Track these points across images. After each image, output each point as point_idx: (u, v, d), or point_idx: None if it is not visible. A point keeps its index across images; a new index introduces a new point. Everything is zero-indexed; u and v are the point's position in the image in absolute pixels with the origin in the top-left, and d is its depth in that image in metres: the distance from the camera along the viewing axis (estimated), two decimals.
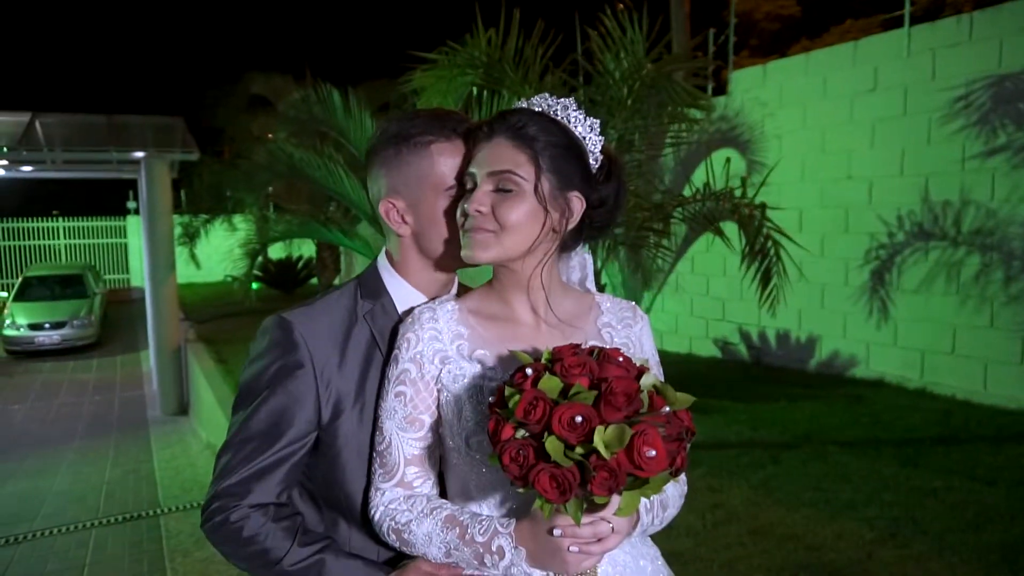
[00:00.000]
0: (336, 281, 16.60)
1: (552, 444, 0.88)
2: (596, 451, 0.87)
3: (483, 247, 1.15)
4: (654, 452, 0.88)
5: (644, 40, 4.29)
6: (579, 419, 0.88)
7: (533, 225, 1.14)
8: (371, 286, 1.28)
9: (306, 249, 16.96)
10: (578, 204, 1.18)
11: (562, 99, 1.19)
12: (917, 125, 6.27)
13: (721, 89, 8.49)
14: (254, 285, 8.43)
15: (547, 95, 1.20)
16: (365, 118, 7.56)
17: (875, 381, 6.75)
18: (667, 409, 0.95)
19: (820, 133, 7.10)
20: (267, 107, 13.84)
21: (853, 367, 7.01)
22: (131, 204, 19.54)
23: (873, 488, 4.33)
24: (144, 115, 9.22)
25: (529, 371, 0.97)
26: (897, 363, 6.62)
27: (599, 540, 1.01)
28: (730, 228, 5.01)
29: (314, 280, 17.00)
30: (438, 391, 1.17)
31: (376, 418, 1.21)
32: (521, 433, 0.93)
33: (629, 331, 1.28)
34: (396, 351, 1.20)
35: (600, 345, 1.26)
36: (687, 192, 5.27)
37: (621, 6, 4.30)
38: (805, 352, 7.44)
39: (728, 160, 5.37)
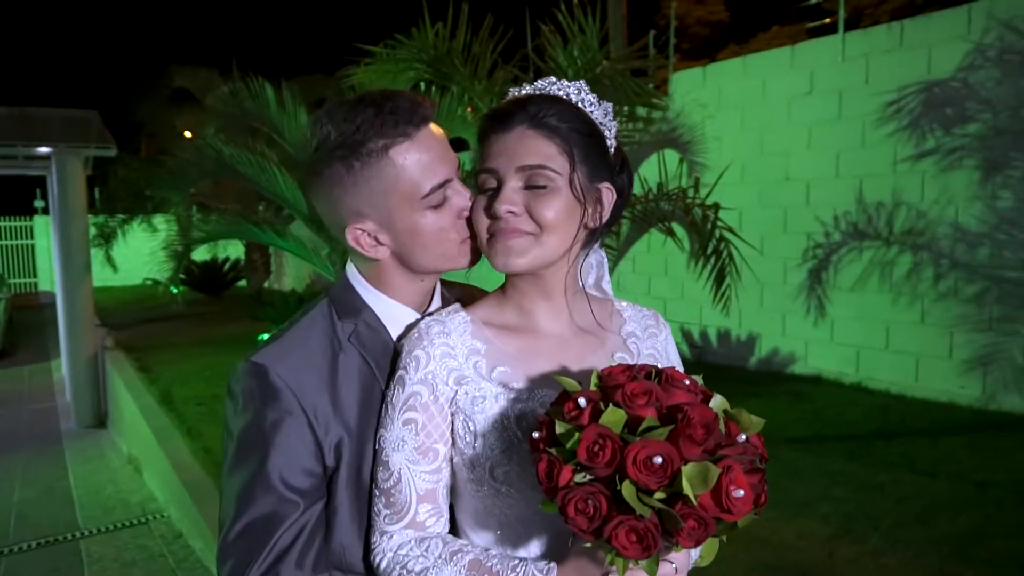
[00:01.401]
0: (266, 284, 16.01)
1: (628, 490, 0.76)
2: (682, 496, 0.75)
3: (520, 252, 1.01)
4: (742, 492, 0.77)
5: (598, 35, 4.21)
6: (659, 460, 0.75)
7: (571, 223, 1.02)
8: (347, 303, 1.10)
9: (232, 250, 16.30)
10: (609, 196, 1.07)
11: (574, 82, 1.06)
12: (852, 128, 6.46)
13: (659, 90, 8.57)
14: (174, 288, 7.98)
15: (554, 79, 1.07)
16: (300, 113, 7.25)
17: (814, 377, 6.93)
18: (743, 437, 0.84)
19: (759, 135, 7.24)
20: (192, 102, 13.22)
21: (792, 364, 7.18)
22: (38, 203, 18.26)
23: (824, 485, 4.40)
24: (55, 108, 8.58)
25: (583, 401, 0.83)
26: (834, 359, 6.81)
27: None
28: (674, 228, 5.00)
29: (242, 283, 16.36)
30: (452, 415, 1.02)
31: (377, 451, 1.04)
32: (582, 476, 0.80)
33: (654, 341, 1.17)
34: (401, 372, 1.03)
35: (648, 363, 1.14)
36: (635, 191, 5.25)
37: (576, 0, 4.22)
38: (745, 350, 7.58)
39: (682, 160, 5.38)
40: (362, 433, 1.05)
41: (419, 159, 1.02)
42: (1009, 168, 5.57)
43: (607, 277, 1.22)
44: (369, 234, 1.05)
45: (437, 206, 1.04)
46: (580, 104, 1.06)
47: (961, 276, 5.87)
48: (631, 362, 1.11)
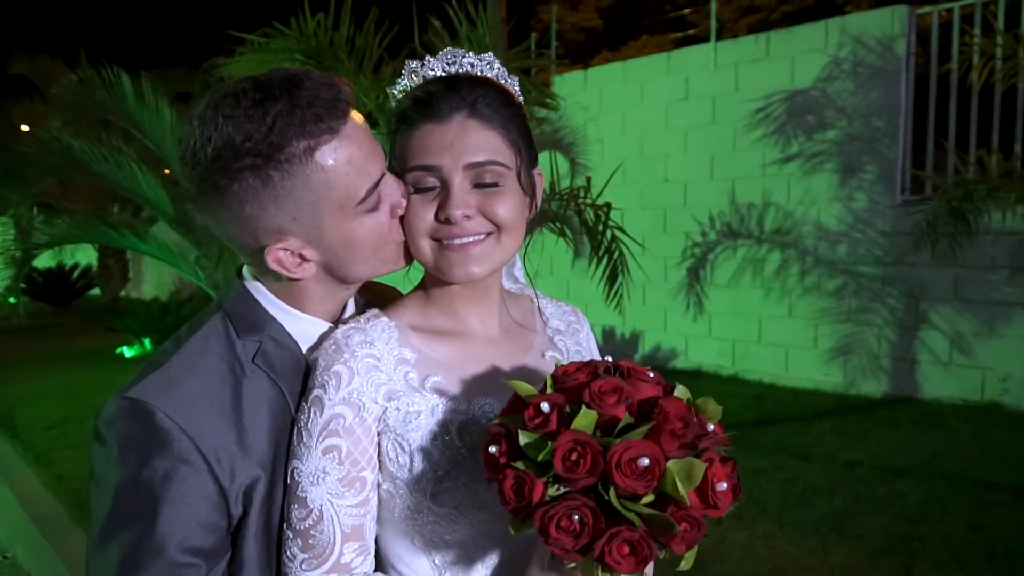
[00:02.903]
0: (123, 292, 14.77)
1: (615, 499, 0.68)
2: (670, 498, 0.69)
3: (481, 260, 0.92)
4: (725, 484, 0.72)
5: (489, 30, 4.16)
6: (645, 461, 0.68)
7: (523, 218, 0.95)
8: (247, 317, 0.94)
9: (82, 256, 14.93)
10: (540, 182, 1.01)
11: (483, 56, 0.98)
12: (724, 133, 6.80)
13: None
14: (13, 299, 7.19)
15: (460, 51, 0.98)
16: (163, 107, 6.76)
17: (694, 371, 7.23)
18: (711, 427, 0.79)
19: (638, 138, 7.47)
20: (31, 92, 11.98)
21: (674, 359, 7.47)
22: None
23: None
24: None
25: (545, 406, 0.74)
26: (712, 353, 7.14)
27: None
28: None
29: (95, 291, 15.02)
30: (378, 435, 0.91)
31: (290, 487, 0.89)
32: (555, 489, 0.71)
33: (577, 337, 1.13)
34: (318, 391, 0.89)
35: (577, 359, 1.08)
36: None
37: None
38: (630, 347, 7.80)
39: (573, 161, 5.45)
40: (275, 472, 0.90)
41: (350, 158, 0.87)
42: (862, 172, 6.06)
43: (519, 264, 1.19)
44: (293, 252, 0.90)
45: (373, 208, 0.91)
46: (499, 80, 0.98)
47: (823, 272, 6.32)
48: (562, 359, 1.07)
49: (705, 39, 7.06)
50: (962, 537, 3.59)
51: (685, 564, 0.77)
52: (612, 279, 4.49)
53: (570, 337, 1.11)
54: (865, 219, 6.06)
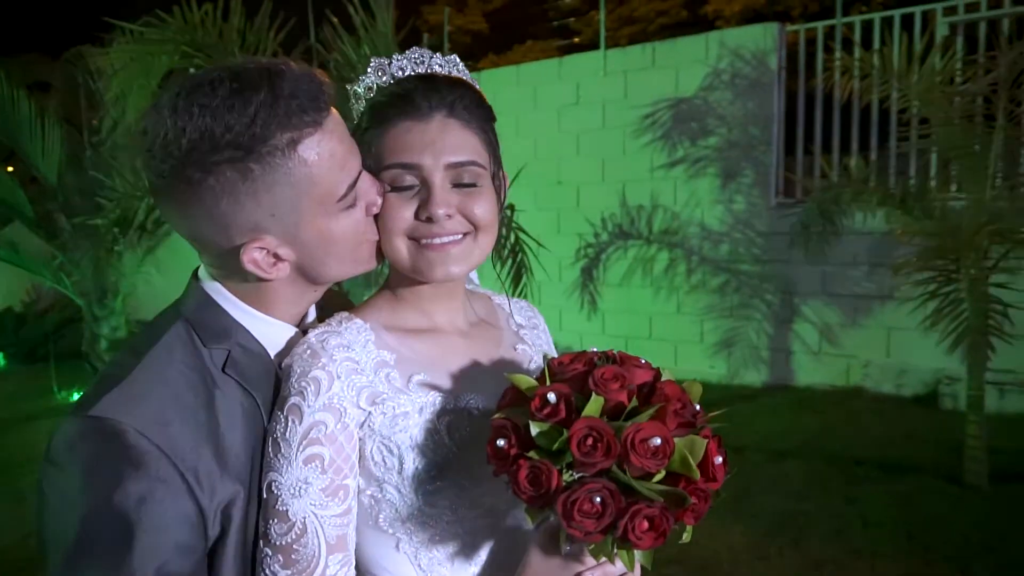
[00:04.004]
0: None
1: (632, 479, 0.71)
2: (678, 475, 0.73)
3: (459, 259, 0.92)
4: (720, 458, 0.78)
5: (393, 29, 4.11)
6: (657, 441, 0.71)
7: (496, 219, 0.96)
8: (211, 324, 0.89)
9: None
10: (506, 184, 1.04)
11: (447, 57, 0.99)
12: (614, 137, 7.07)
13: None
14: None
15: (428, 51, 1.00)
16: (20, 97, 6.21)
17: None
18: (698, 407, 0.84)
19: (532, 141, 7.61)
20: None
21: None
22: None
23: None
24: None
25: (552, 396, 0.76)
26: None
27: None
28: None
29: None
30: (360, 440, 0.89)
31: (267, 500, 0.86)
32: (569, 475, 0.73)
33: (536, 331, 1.16)
34: (295, 399, 0.86)
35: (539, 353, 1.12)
36: None
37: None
38: None
39: None
40: (252, 487, 0.86)
41: (332, 153, 0.85)
42: (741, 176, 6.49)
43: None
44: (268, 251, 0.86)
45: (351, 206, 0.89)
46: (468, 81, 0.99)
47: (708, 270, 6.71)
48: (532, 353, 1.10)
49: (587, 47, 7.31)
50: (840, 510, 3.93)
51: (687, 537, 0.82)
52: (517, 280, 4.56)
53: (531, 331, 1.14)
54: (744, 220, 6.49)
